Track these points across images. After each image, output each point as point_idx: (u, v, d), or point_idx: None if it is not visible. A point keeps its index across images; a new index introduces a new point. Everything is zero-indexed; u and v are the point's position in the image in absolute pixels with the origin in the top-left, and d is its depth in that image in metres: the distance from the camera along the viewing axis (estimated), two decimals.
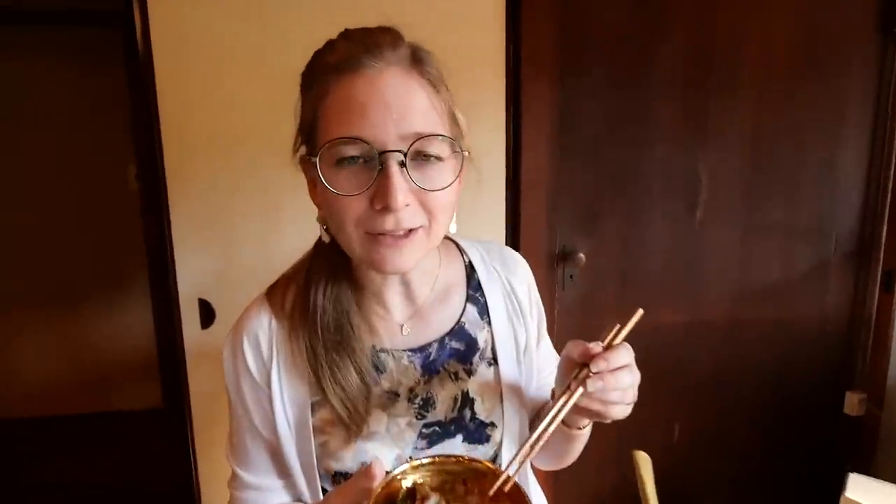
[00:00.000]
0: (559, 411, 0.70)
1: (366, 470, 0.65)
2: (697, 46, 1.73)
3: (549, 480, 1.84)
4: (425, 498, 0.66)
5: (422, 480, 0.66)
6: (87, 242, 3.10)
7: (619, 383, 0.69)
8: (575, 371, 0.71)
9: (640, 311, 0.73)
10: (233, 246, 1.61)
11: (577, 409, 0.71)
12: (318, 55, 0.75)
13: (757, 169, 1.81)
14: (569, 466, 0.96)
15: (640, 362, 0.73)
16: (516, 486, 0.65)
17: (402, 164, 0.68)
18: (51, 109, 2.95)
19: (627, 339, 0.73)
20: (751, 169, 1.81)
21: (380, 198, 0.68)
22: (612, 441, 1.80)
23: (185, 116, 1.52)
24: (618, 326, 0.73)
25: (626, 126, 1.75)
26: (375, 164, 0.68)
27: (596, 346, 0.70)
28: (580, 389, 0.68)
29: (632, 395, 0.72)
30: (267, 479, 0.86)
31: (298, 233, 1.55)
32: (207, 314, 1.62)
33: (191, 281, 1.61)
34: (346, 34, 0.74)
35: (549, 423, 0.70)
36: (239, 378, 0.82)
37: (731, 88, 1.76)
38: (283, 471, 0.85)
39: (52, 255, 3.07)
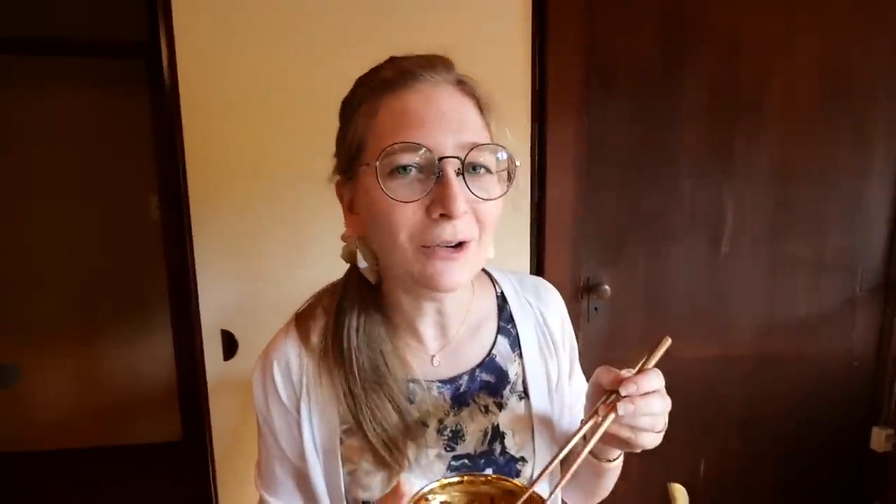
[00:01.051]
0: (587, 434, 0.68)
1: (394, 489, 0.65)
2: (724, 80, 1.74)
3: None
4: None
5: (450, 499, 0.66)
6: (107, 272, 3.10)
7: (649, 408, 0.67)
8: (604, 397, 0.69)
9: (668, 340, 0.73)
10: (257, 277, 1.60)
11: (606, 438, 0.69)
12: (368, 76, 0.76)
13: (782, 203, 1.80)
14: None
15: None
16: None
17: (459, 173, 0.67)
18: (72, 138, 2.98)
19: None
20: (776, 203, 1.80)
21: (438, 205, 0.66)
22: (634, 477, 1.75)
23: (210, 147, 1.53)
24: (646, 356, 0.72)
25: (651, 158, 1.76)
26: (432, 171, 0.67)
27: (627, 373, 0.70)
28: (612, 415, 0.67)
29: (662, 422, 0.71)
30: None
31: (324, 265, 1.53)
32: (230, 345, 1.61)
33: (213, 311, 1.60)
34: (394, 58, 0.75)
35: (580, 446, 0.68)
36: (268, 402, 0.81)
37: (757, 122, 1.76)
38: (310, 498, 0.84)
39: (72, 284, 3.08)
